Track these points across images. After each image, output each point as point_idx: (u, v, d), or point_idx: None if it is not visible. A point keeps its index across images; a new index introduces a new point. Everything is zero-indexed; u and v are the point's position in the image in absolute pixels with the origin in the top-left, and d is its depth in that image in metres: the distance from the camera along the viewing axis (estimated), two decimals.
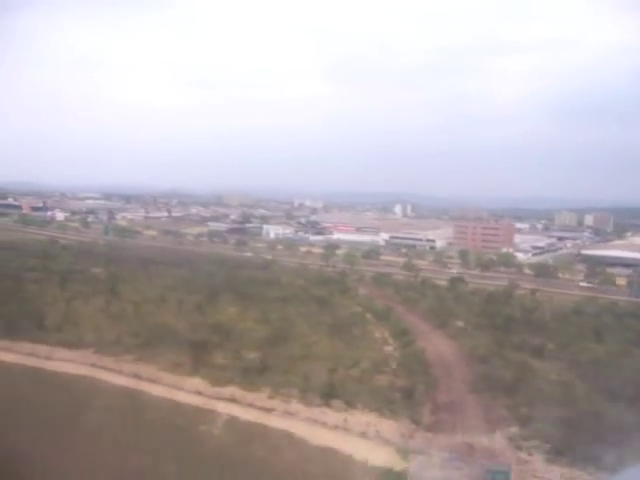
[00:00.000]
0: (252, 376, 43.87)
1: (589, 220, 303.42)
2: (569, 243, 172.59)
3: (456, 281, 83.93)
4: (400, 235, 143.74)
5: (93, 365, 46.35)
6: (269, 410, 38.89)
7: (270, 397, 41.04)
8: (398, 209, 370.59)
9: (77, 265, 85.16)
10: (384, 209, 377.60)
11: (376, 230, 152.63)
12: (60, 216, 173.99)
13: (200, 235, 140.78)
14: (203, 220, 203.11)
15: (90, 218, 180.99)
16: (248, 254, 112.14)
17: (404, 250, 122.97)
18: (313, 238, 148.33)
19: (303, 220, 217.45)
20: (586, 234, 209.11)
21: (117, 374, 44.53)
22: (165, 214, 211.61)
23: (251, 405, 39.55)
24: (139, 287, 70.35)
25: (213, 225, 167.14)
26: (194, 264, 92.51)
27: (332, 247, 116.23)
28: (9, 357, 48.04)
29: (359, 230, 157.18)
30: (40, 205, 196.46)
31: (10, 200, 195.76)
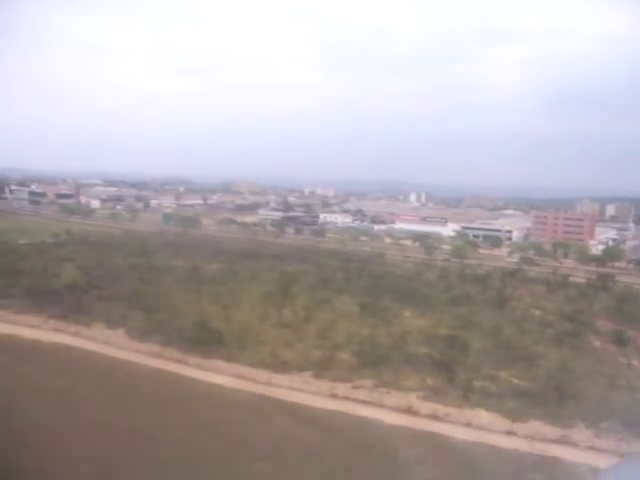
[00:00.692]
0: (546, 406, 35.40)
1: (611, 210, 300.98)
2: (628, 234, 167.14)
3: (605, 279, 76.14)
4: (474, 226, 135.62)
5: (334, 396, 36.88)
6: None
7: (597, 435, 32.61)
8: (413, 197, 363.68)
9: (178, 261, 75.07)
10: (393, 197, 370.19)
11: (443, 220, 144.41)
12: (95, 204, 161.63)
13: (258, 224, 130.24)
14: (239, 208, 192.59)
15: (120, 206, 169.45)
16: (337, 245, 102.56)
17: (506, 242, 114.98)
18: (377, 227, 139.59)
19: (336, 208, 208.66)
20: (631, 225, 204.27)
21: (380, 408, 35.06)
22: (199, 202, 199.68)
23: (592, 448, 30.97)
24: (287, 288, 60.61)
25: (263, 213, 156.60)
26: (304, 258, 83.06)
27: (423, 238, 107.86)
28: (223, 380, 38.53)
29: (424, 220, 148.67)
30: (64, 192, 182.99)
31: (34, 187, 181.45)
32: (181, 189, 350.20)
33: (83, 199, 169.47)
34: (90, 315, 49.92)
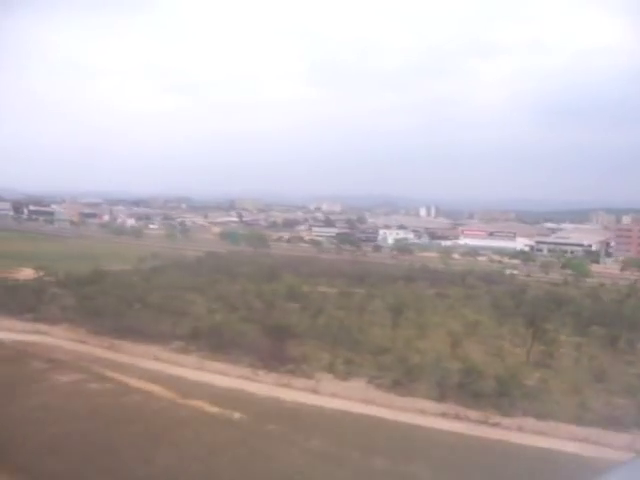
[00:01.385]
0: None
1: (627, 221, 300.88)
2: None
3: None
4: (549, 240, 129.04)
5: None
6: None
7: None
8: (423, 212, 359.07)
9: (309, 286, 65.29)
10: (404, 212, 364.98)
11: (511, 234, 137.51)
12: (131, 222, 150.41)
13: (325, 242, 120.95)
14: (273, 225, 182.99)
15: (153, 224, 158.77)
16: (438, 264, 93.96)
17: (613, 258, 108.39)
18: (444, 243, 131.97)
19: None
20: None
21: None
22: (233, 219, 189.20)
23: None
24: (491, 319, 51.62)
25: (316, 231, 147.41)
26: (431, 279, 74.24)
27: (525, 255, 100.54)
28: (569, 445, 28.81)
29: (491, 235, 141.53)
30: (88, 212, 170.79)
31: (55, 207, 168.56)
32: (183, 206, 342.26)
33: (119, 219, 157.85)
34: (299, 362, 39.99)
